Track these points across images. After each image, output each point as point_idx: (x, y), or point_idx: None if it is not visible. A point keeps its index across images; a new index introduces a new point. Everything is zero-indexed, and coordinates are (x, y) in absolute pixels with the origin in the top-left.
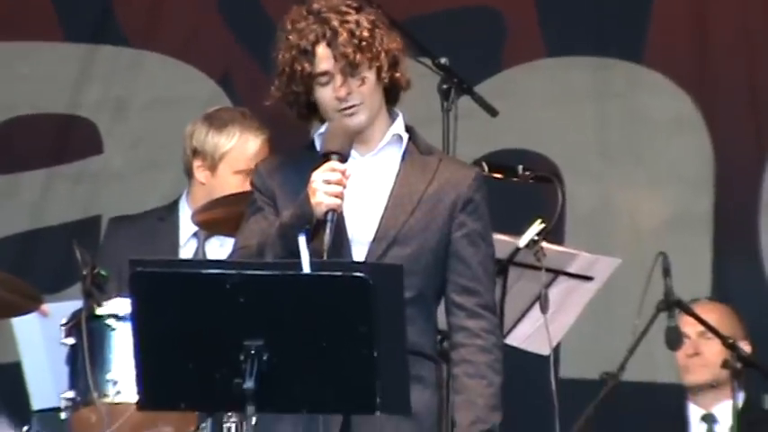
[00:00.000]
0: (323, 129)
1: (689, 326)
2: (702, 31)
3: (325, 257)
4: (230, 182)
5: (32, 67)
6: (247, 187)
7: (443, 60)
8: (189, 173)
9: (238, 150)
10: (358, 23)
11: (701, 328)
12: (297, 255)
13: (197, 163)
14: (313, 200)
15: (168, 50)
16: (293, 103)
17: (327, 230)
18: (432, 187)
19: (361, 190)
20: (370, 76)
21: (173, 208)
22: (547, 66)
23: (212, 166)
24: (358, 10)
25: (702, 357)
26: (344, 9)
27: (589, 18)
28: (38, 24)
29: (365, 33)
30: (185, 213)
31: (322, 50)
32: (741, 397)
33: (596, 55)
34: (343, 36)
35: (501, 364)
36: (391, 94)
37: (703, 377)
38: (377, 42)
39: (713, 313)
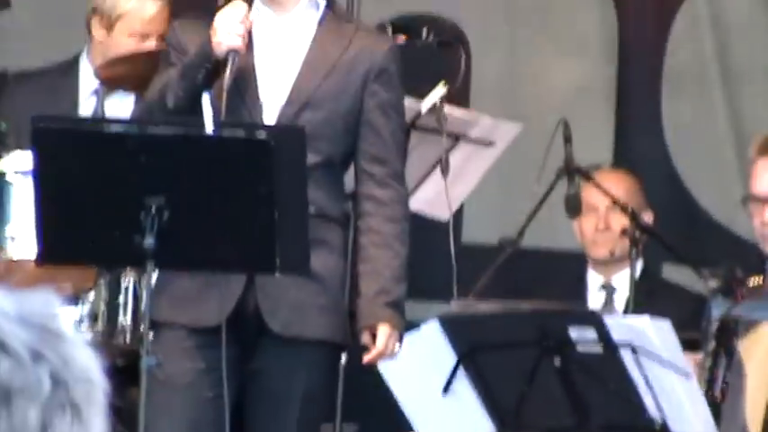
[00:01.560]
0: None
1: (598, 198)
2: None
3: (224, 98)
4: (125, 44)
5: None
6: (144, 48)
7: None
8: (89, 29)
9: (135, 13)
10: None
11: (611, 201)
12: (197, 97)
13: (95, 21)
14: (215, 39)
15: None
16: None
17: (228, 71)
18: (347, 54)
19: (275, 51)
20: None
21: (73, 64)
22: None
23: (109, 26)
24: None
25: (611, 231)
26: None
27: None
28: None
29: None
30: (85, 70)
31: None
32: (639, 266)
33: None
34: None
35: (407, 235)
36: None
37: (610, 250)
38: None
39: (614, 182)
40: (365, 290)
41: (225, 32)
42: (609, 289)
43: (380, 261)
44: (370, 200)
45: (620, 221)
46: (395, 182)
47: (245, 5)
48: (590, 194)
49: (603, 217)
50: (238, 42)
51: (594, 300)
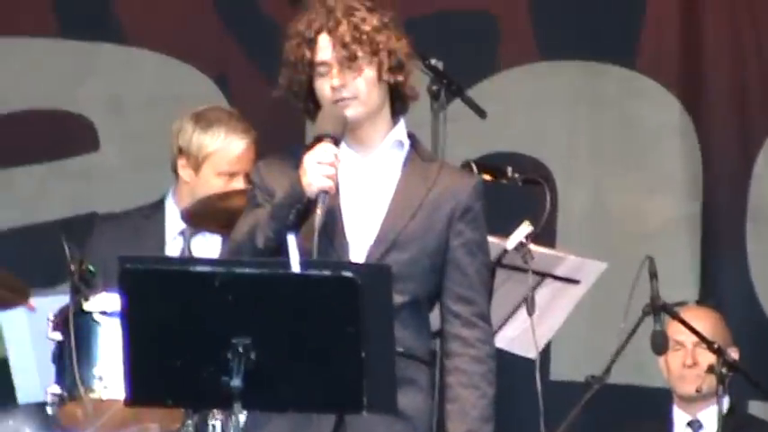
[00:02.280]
0: None
1: (684, 334)
2: (693, 37)
3: (316, 238)
4: (213, 183)
5: (27, 63)
6: (230, 188)
7: (434, 62)
8: (175, 170)
9: (222, 152)
10: (364, 19)
11: (697, 337)
12: (286, 239)
13: (181, 162)
14: (304, 180)
15: (165, 48)
16: (297, 95)
17: (318, 212)
18: (432, 194)
19: (361, 192)
20: (369, 71)
21: (159, 206)
22: (539, 69)
23: (196, 166)
24: (370, 9)
25: (699, 367)
26: (356, 5)
27: (582, 22)
28: (34, 19)
29: (367, 28)
30: (171, 211)
31: (323, 39)
32: (726, 402)
33: (589, 59)
34: (344, 27)
35: (494, 375)
36: (397, 101)
37: (697, 387)
38: (380, 39)
39: (700, 318)
40: (452, 430)
41: (315, 173)
42: (695, 425)
43: (468, 401)
44: (457, 340)
45: (706, 358)
46: (481, 321)
47: (333, 146)
48: (676, 331)
49: (691, 353)
50: (329, 183)
51: None
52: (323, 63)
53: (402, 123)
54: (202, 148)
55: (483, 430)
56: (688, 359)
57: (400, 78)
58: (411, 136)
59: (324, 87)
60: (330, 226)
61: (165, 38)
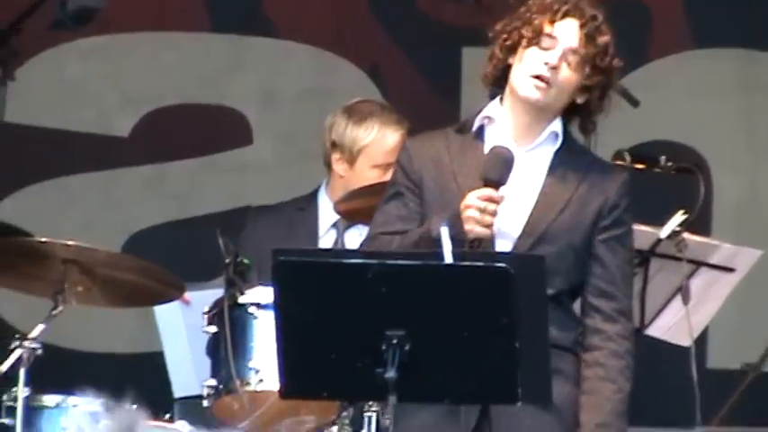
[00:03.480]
0: (485, 112)
1: None
2: None
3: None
4: (368, 176)
5: (180, 58)
6: (385, 179)
7: None
8: (328, 164)
9: (377, 145)
10: (601, 31)
11: None
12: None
13: (335, 155)
14: (466, 226)
15: (317, 42)
16: (503, 48)
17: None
18: (581, 188)
19: (512, 184)
20: (578, 77)
21: (312, 198)
22: (693, 57)
23: (351, 160)
24: (605, 22)
25: None
26: (597, 13)
27: (736, 9)
28: (186, 14)
29: (604, 39)
30: (324, 204)
31: (570, 23)
32: None
33: (743, 47)
34: (591, 25)
35: (632, 372)
36: (577, 113)
37: None
38: (610, 53)
39: None
40: (586, 421)
41: (476, 221)
42: None
43: (603, 394)
44: (597, 334)
45: None
46: (621, 317)
47: (500, 195)
48: None
49: None
50: (488, 232)
51: None
52: (552, 37)
53: (559, 118)
54: (357, 141)
55: (615, 425)
56: None
57: (597, 100)
58: (565, 130)
59: (536, 58)
60: None
61: (316, 30)
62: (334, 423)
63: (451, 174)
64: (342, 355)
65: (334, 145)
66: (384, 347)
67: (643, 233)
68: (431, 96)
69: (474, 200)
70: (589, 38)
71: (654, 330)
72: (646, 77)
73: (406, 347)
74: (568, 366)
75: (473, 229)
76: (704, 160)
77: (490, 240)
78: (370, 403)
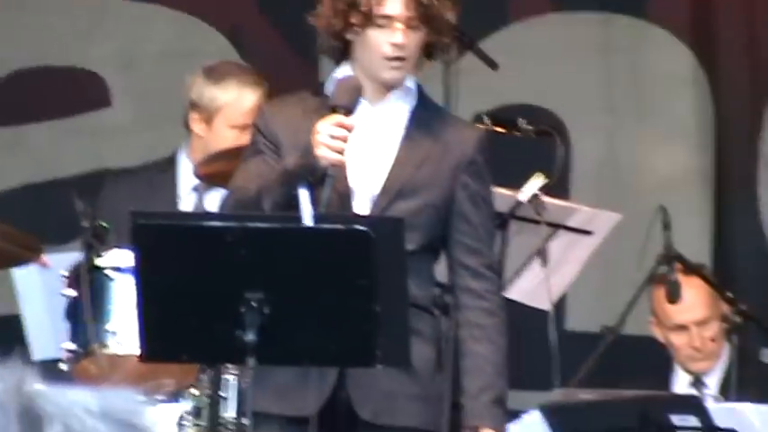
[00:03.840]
0: (336, 73)
1: (688, 314)
2: None
3: (323, 211)
4: (226, 136)
5: (39, 20)
6: (244, 141)
7: None
8: (187, 125)
9: (234, 105)
10: None
11: (697, 316)
12: (296, 203)
13: (194, 116)
14: (317, 152)
15: (177, 4)
16: (332, 35)
17: (327, 185)
18: (438, 144)
19: (368, 141)
20: (424, 36)
21: (172, 161)
22: (550, 21)
23: (208, 119)
24: None
25: (707, 346)
26: None
27: None
28: None
29: None
30: (185, 166)
31: None
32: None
33: (600, 10)
34: None
35: (505, 326)
36: (423, 57)
37: (706, 366)
38: (444, 4)
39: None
40: (468, 386)
41: (327, 147)
42: (699, 386)
43: (482, 356)
44: (468, 292)
45: (710, 332)
46: (489, 271)
47: (350, 121)
48: (678, 312)
49: (697, 335)
50: (339, 158)
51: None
52: (388, 17)
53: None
54: (214, 101)
55: (498, 384)
56: (696, 340)
57: (446, 41)
58: (417, 86)
59: (381, 41)
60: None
61: None
62: (193, 386)
63: (308, 134)
64: (201, 318)
65: (193, 105)
66: (243, 310)
67: (502, 196)
68: (290, 59)
69: (324, 126)
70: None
71: (513, 293)
72: (504, 41)
73: (266, 310)
74: (426, 326)
75: (325, 155)
76: (563, 123)
77: (343, 169)
78: (229, 366)
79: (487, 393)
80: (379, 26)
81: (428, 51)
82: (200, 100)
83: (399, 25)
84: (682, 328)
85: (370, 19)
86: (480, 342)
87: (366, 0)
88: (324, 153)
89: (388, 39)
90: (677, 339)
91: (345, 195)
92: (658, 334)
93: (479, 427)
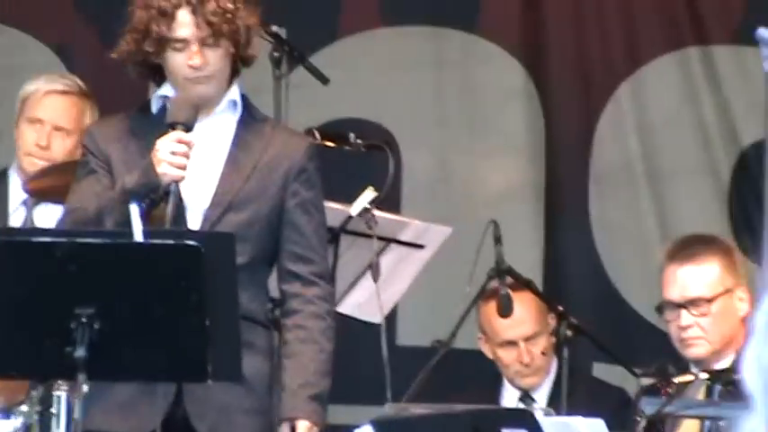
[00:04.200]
0: (162, 91)
1: (516, 330)
2: (534, 1)
3: (167, 223)
4: (26, 134)
5: None
6: (33, 139)
7: (276, 29)
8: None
9: (33, 97)
10: None
11: (526, 332)
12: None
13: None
14: (158, 169)
15: (2, 18)
16: (138, 63)
17: (170, 201)
18: (266, 155)
19: (196, 155)
20: (228, 48)
21: (1, 176)
22: (382, 35)
23: (19, 118)
24: None
25: (535, 361)
26: None
27: None
28: None
29: (230, 6)
30: (14, 181)
31: (184, 16)
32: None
33: (431, 25)
34: (211, 5)
35: (333, 332)
36: (237, 67)
37: (535, 381)
38: (239, 15)
39: (529, 299)
40: (288, 382)
41: (168, 163)
42: (527, 401)
43: (305, 355)
44: (296, 297)
45: (539, 347)
46: (320, 280)
47: (189, 137)
48: (506, 329)
49: (526, 351)
50: (181, 174)
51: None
52: (181, 40)
53: (236, 85)
54: (19, 98)
55: (320, 383)
56: (525, 357)
57: (251, 52)
58: (244, 97)
59: (180, 64)
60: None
61: (2, 7)
62: (23, 402)
63: (138, 152)
64: (31, 334)
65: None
66: (73, 326)
67: (333, 210)
68: (119, 75)
69: (165, 143)
70: (204, 16)
71: (344, 308)
72: (335, 55)
73: (96, 326)
74: (260, 339)
75: (167, 172)
76: (394, 137)
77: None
78: (60, 382)
79: (307, 389)
80: (176, 49)
81: (238, 61)
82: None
83: (194, 47)
84: (511, 343)
85: (164, 44)
86: (304, 343)
87: (157, 27)
88: (165, 170)
89: (186, 61)
90: (506, 355)
91: (179, 211)
92: (487, 350)
93: (296, 419)
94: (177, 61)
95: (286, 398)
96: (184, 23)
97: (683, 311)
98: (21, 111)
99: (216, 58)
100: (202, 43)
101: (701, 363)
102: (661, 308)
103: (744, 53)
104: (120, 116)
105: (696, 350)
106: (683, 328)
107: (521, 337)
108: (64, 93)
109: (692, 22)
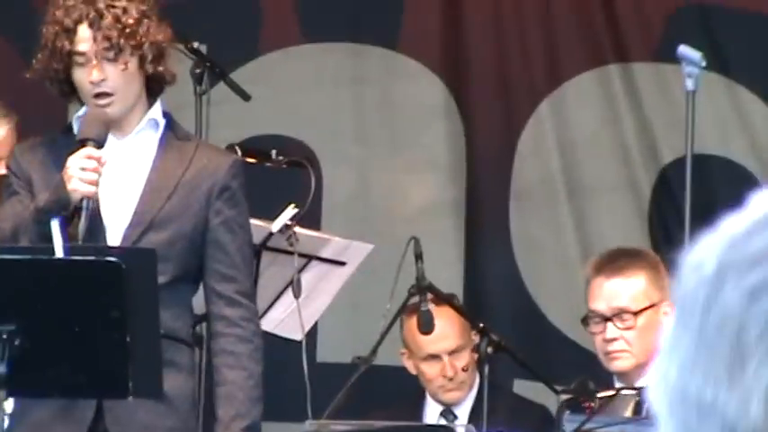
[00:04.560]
0: (81, 112)
1: (439, 344)
2: (455, 17)
3: (79, 243)
4: None
5: None
6: None
7: (197, 45)
8: None
9: None
10: (125, 10)
11: (450, 346)
12: (51, 239)
13: None
14: (69, 186)
15: None
16: (53, 80)
17: (83, 217)
18: (189, 173)
19: (117, 174)
20: (131, 64)
21: None
22: (303, 52)
23: None
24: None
25: (458, 375)
26: None
27: (345, 4)
28: None
29: (131, 21)
30: None
31: (83, 31)
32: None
33: (352, 41)
34: (108, 19)
35: (261, 353)
36: (154, 85)
37: (458, 395)
38: (142, 30)
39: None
40: (221, 415)
41: (78, 179)
42: (449, 417)
43: (235, 384)
44: (222, 320)
45: (462, 361)
46: (244, 299)
47: (99, 152)
48: (429, 343)
49: (450, 364)
50: (92, 189)
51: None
52: (82, 54)
53: (158, 103)
54: None
55: (252, 412)
56: (448, 370)
57: (161, 68)
58: (166, 115)
59: (83, 79)
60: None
61: None
62: None
63: (59, 173)
64: None
65: None
66: None
67: (254, 227)
68: (38, 89)
69: (74, 160)
70: (102, 30)
71: (265, 324)
72: (256, 71)
73: (17, 342)
74: (183, 358)
75: (77, 188)
76: (314, 154)
77: (96, 201)
78: None
79: (238, 421)
80: (79, 64)
81: (155, 79)
82: None
83: (93, 62)
84: (434, 357)
85: (69, 60)
86: (233, 369)
87: (61, 43)
88: (76, 185)
89: (87, 77)
90: (429, 370)
91: (98, 230)
92: (410, 366)
93: None
94: (80, 77)
95: (219, 431)
96: (84, 38)
97: (609, 324)
98: None
99: (116, 74)
100: (101, 58)
101: (624, 376)
102: (586, 319)
103: (664, 70)
104: (45, 137)
105: (621, 363)
106: (609, 341)
107: (444, 350)
108: (11, 128)
109: (613, 40)
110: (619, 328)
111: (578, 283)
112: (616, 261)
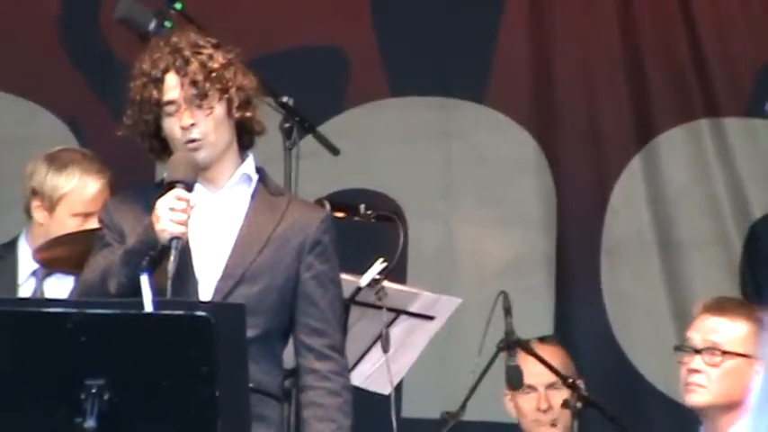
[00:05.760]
0: None
1: (536, 377)
2: (544, 71)
3: (169, 285)
4: (68, 224)
5: None
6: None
7: (285, 99)
8: (28, 212)
9: (77, 193)
10: (211, 56)
11: (547, 379)
12: (139, 282)
13: (35, 203)
14: (157, 227)
15: (16, 89)
16: (144, 134)
17: (171, 258)
18: (280, 227)
19: (209, 228)
20: (219, 109)
21: (11, 246)
22: (390, 105)
23: (50, 207)
24: (215, 46)
25: (554, 410)
26: (201, 43)
27: (432, 58)
28: None
29: (216, 65)
30: (24, 252)
31: (171, 78)
32: None
33: (439, 95)
34: (194, 65)
35: (350, 407)
36: (244, 135)
37: (552, 430)
38: (228, 75)
39: (549, 355)
40: None
41: (168, 220)
42: None
43: None
44: (312, 373)
45: (559, 396)
46: (334, 353)
47: (188, 194)
48: (527, 374)
49: (544, 397)
50: (181, 230)
51: None
52: (171, 102)
53: (251, 158)
54: (57, 189)
55: None
56: (542, 403)
57: (248, 114)
58: (260, 170)
59: (173, 127)
60: (180, 264)
61: (15, 78)
62: None
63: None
64: (42, 405)
65: (35, 192)
66: (83, 397)
67: (343, 281)
68: (130, 146)
69: (163, 200)
70: (189, 76)
71: (354, 379)
72: (343, 125)
73: (106, 397)
74: (272, 412)
75: (166, 228)
76: (401, 208)
77: (185, 242)
78: None
79: None
80: (169, 114)
81: (240, 124)
82: (42, 188)
83: (183, 108)
84: (530, 388)
85: (159, 111)
86: (322, 422)
87: (149, 94)
88: (165, 225)
89: (177, 123)
90: (525, 403)
91: (189, 281)
92: (510, 408)
93: None
94: (170, 126)
95: None
96: (172, 86)
97: (698, 356)
98: (60, 200)
99: (204, 119)
100: (191, 104)
101: (700, 413)
102: (680, 347)
103: (754, 125)
104: (137, 189)
105: (695, 396)
106: (691, 372)
107: (540, 383)
108: (105, 183)
109: (703, 95)
110: (705, 362)
111: (669, 337)
112: (725, 303)
